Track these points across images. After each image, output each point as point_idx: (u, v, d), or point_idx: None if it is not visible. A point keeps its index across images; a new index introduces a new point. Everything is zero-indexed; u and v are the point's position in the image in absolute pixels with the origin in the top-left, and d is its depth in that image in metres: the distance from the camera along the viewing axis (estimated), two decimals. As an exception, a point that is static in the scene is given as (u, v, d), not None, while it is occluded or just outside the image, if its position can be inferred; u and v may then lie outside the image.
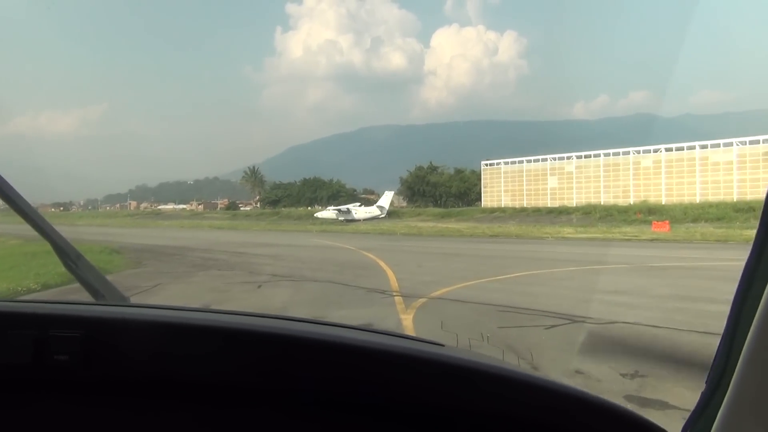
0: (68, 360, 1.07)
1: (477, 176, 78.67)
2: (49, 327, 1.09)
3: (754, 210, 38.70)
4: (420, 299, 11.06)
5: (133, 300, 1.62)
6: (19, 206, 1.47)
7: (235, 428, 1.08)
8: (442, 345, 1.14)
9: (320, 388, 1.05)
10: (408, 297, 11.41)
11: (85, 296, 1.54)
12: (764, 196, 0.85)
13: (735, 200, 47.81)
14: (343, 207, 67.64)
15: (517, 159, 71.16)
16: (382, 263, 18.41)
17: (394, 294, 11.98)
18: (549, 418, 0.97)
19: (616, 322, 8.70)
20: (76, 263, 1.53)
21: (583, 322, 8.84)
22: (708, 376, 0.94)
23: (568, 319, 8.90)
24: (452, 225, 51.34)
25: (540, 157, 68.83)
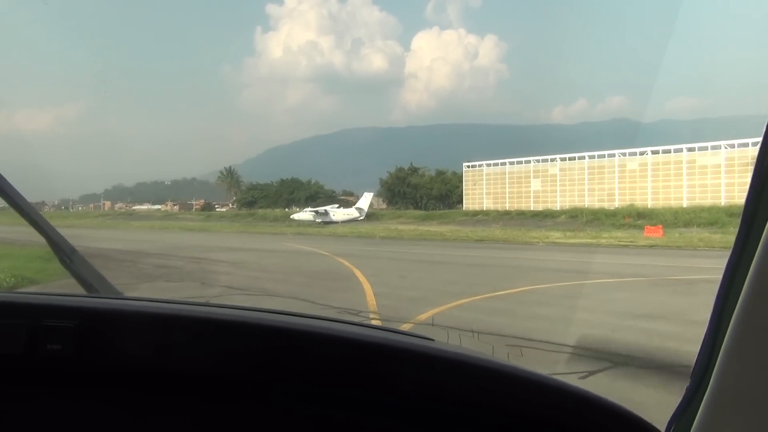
0: (61, 350, 1.06)
1: (458, 178, 76.89)
2: (43, 317, 1.08)
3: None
4: (404, 325, 8.66)
5: None
6: (15, 201, 1.49)
7: (227, 419, 1.07)
8: (432, 340, 1.13)
9: (311, 380, 1.05)
10: (388, 321, 9.03)
11: (79, 292, 1.49)
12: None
13: (723, 204, 46.70)
14: (321, 208, 64.92)
15: (499, 161, 69.64)
16: (358, 273, 15.95)
17: (372, 316, 9.58)
18: (538, 411, 0.98)
19: (676, 366, 6.38)
20: (71, 258, 1.53)
21: (627, 364, 6.51)
22: (692, 371, 0.95)
23: (607, 360, 6.56)
24: (434, 228, 48.95)
25: (523, 159, 67.48)
